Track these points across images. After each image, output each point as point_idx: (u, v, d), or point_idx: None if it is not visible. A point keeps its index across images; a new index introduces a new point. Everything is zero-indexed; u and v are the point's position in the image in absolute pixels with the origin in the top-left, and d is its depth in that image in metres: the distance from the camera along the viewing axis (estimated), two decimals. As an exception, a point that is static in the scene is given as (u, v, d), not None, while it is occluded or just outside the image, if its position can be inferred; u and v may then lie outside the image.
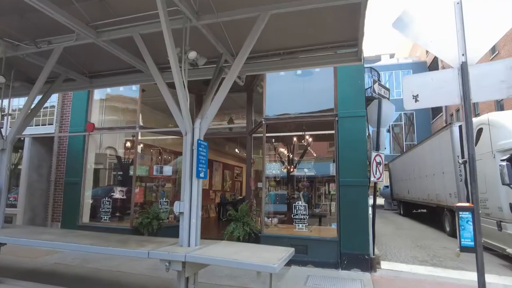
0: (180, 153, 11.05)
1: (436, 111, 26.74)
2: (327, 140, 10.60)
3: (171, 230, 8.46)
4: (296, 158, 8.46)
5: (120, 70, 6.24)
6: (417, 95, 2.71)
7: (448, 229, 11.36)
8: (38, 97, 5.77)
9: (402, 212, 19.52)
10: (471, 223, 2.41)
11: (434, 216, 16.41)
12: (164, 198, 8.60)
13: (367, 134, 6.43)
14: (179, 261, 3.16)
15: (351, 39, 4.80)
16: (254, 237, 6.92)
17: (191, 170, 3.68)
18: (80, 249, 3.71)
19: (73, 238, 4.07)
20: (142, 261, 6.31)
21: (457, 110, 21.86)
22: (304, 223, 6.59)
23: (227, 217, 7.09)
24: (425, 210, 17.54)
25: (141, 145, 9.34)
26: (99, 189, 9.03)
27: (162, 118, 10.49)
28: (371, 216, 6.26)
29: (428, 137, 14.28)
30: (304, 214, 6.60)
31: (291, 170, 8.65)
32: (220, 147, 16.57)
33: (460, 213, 2.44)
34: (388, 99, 6.48)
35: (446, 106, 24.24)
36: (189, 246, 3.47)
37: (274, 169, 7.45)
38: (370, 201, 6.39)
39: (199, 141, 3.85)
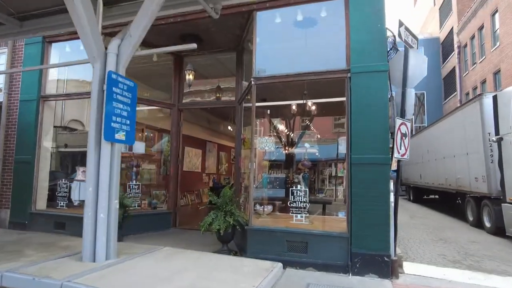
0: (164, 130, 9.54)
1: (449, 90, 24.86)
2: (334, 113, 8.99)
3: (142, 220, 7.04)
4: (295, 133, 6.85)
5: (56, 7, 4.62)
6: None
7: (471, 218, 9.84)
8: None
9: (412, 198, 18.05)
10: None
11: (449, 202, 14.97)
12: (135, 181, 7.11)
13: (389, 96, 4.83)
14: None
15: None
16: (240, 230, 5.44)
17: (99, 127, 2.13)
18: None
19: None
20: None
21: (474, 88, 20.01)
22: (303, 213, 5.08)
23: (206, 205, 5.60)
24: (436, 196, 16.10)
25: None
26: (57, 170, 7.55)
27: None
28: (392, 204, 4.72)
29: (447, 114, 12.61)
30: (304, 202, 5.07)
31: (288, 149, 7.08)
32: (215, 126, 15.01)
33: None
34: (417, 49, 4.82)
35: (460, 85, 22.38)
36: (94, 260, 1.98)
37: (267, 145, 5.89)
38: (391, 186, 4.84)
39: (113, 75, 2.26)
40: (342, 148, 5.80)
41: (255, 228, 5.15)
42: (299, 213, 5.05)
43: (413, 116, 5.54)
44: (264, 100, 6.94)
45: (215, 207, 5.44)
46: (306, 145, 5.38)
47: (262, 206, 6.23)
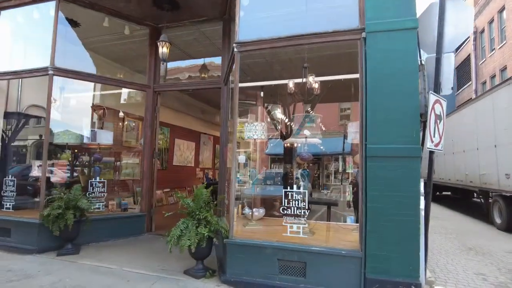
0: (138, 117, 8.27)
1: (462, 80, 23.29)
2: (343, 97, 7.70)
3: (109, 224, 5.84)
4: (295, 116, 5.51)
5: None
6: None
7: (499, 221, 8.50)
8: None
9: (423, 195, 16.69)
10: None
11: (466, 200, 13.69)
12: (99, 178, 5.87)
13: (418, 63, 3.52)
14: None
15: None
16: (220, 245, 4.20)
17: None
18: None
19: None
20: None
21: (493, 76, 18.47)
22: (301, 223, 3.81)
23: (178, 210, 4.35)
24: (449, 193, 14.78)
25: (72, 102, 6.58)
26: (12, 166, 6.36)
27: (106, 65, 7.64)
28: (422, 213, 3.43)
29: (468, 102, 11.23)
30: (301, 208, 3.79)
31: (286, 139, 5.79)
32: (210, 116, 13.79)
33: None
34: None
35: (476, 73, 20.83)
36: None
37: (256, 133, 4.61)
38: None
39: None
40: (353, 137, 4.52)
41: (237, 242, 3.89)
42: (295, 223, 3.78)
43: (452, 91, 4.36)
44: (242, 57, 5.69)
45: (186, 213, 4.19)
46: (306, 132, 4.08)
47: (251, 210, 4.98)
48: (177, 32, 6.70)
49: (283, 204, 3.80)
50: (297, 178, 5.50)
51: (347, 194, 5.12)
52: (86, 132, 6.14)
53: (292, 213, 3.77)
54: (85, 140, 6.05)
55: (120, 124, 8.78)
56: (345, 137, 9.73)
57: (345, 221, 5.30)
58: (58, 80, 6.36)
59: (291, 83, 4.71)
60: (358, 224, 4.50)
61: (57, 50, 5.62)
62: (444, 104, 3.59)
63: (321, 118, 4.22)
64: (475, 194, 11.77)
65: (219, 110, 13.58)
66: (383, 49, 3.50)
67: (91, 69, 7.06)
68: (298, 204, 3.75)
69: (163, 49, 5.52)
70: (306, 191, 3.76)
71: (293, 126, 4.65)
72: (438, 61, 3.50)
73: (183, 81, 7.08)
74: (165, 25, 6.51)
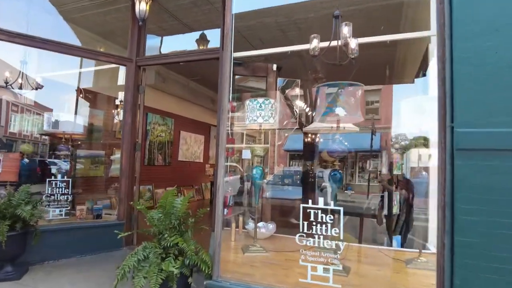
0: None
1: None
2: (374, 79, 6.03)
3: (75, 237, 4.53)
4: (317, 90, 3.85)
5: None
6: None
7: None
8: None
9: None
10: None
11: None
12: (62, 175, 4.52)
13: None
14: None
15: None
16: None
17: None
18: None
19: None
20: None
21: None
22: (331, 262, 2.25)
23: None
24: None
25: (37, 80, 5.26)
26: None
27: (90, 40, 6.32)
28: None
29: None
30: (333, 237, 2.23)
31: (305, 126, 4.23)
32: (221, 107, 12.34)
33: None
34: None
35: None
36: None
37: (261, 114, 3.09)
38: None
39: None
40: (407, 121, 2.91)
41: (224, 286, 2.39)
42: (321, 263, 2.22)
43: None
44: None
45: (152, 234, 2.74)
46: (339, 111, 2.46)
47: (260, 224, 3.47)
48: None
49: (300, 230, 2.24)
50: (321, 184, 3.96)
51: (394, 203, 3.50)
52: (47, 119, 4.80)
53: (317, 245, 2.21)
54: (45, 128, 4.72)
55: (114, 111, 7.50)
56: (372, 132, 8.08)
57: (387, 242, 3.74)
58: (27, 54, 5.17)
59: (314, 42, 3.14)
60: (415, 251, 2.95)
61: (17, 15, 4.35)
62: None
63: (362, 90, 2.63)
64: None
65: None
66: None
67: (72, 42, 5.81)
68: (327, 230, 2.19)
69: (141, 5, 4.08)
70: (341, 208, 2.20)
71: (317, 105, 3.00)
72: None
73: (173, 52, 5.62)
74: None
